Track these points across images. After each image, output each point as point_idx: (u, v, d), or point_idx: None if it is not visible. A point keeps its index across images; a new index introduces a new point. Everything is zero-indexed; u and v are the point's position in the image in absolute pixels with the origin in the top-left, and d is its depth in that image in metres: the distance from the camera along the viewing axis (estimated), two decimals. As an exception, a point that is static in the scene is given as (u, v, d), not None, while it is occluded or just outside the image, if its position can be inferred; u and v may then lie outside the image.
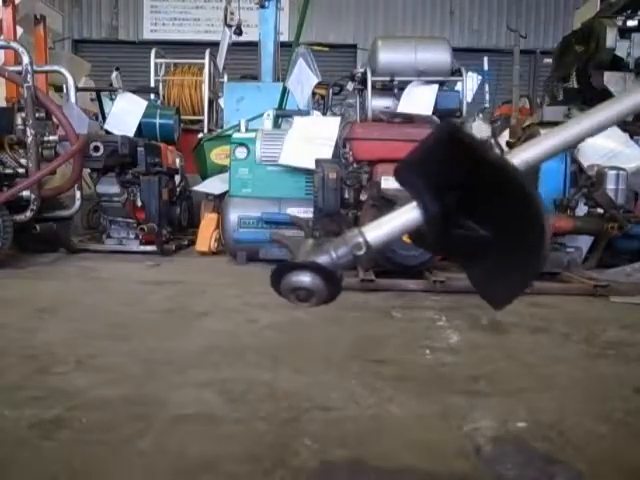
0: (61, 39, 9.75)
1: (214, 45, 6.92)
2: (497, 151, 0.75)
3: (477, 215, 0.77)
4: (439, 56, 4.46)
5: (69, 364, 1.71)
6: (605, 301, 2.80)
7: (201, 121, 6.67)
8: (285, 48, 5.93)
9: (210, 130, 6.36)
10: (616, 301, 2.80)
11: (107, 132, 4.63)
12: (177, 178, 4.88)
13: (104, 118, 5.13)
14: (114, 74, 7.11)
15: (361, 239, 0.78)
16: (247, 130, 4.08)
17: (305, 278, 0.77)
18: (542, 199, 0.71)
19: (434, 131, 0.77)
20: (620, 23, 4.85)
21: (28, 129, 3.61)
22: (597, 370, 1.80)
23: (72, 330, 2.10)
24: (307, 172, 3.76)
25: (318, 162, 3.48)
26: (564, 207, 3.59)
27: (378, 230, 0.79)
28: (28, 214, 3.64)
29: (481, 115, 6.98)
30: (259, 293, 2.82)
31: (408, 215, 0.78)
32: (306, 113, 4.35)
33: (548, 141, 0.78)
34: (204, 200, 4.67)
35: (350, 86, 4.94)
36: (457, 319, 2.39)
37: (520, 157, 0.76)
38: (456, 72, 4.56)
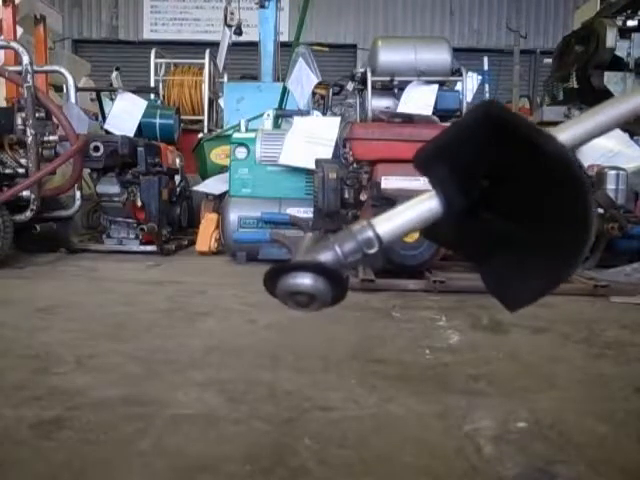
0: (61, 39, 9.76)
1: (214, 45, 6.92)
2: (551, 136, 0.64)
3: (505, 208, 0.68)
4: (439, 56, 4.46)
5: (69, 364, 1.71)
6: (605, 301, 2.80)
7: (201, 121, 6.67)
8: (285, 48, 5.93)
9: (210, 130, 6.36)
10: (616, 301, 2.80)
11: (107, 132, 4.63)
12: (177, 178, 4.87)
13: (104, 118, 5.13)
14: (114, 74, 7.12)
15: (372, 234, 0.67)
16: (247, 130, 4.08)
17: (306, 281, 0.66)
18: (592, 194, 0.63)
19: (471, 110, 0.67)
20: (620, 23, 4.86)
21: (28, 129, 3.61)
22: (597, 370, 1.80)
23: (72, 330, 2.10)
24: (307, 172, 3.76)
25: (318, 162, 3.48)
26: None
27: (390, 223, 0.68)
28: (28, 214, 3.64)
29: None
30: (259, 293, 2.81)
31: (425, 206, 0.68)
32: (306, 113, 4.35)
33: (599, 117, 0.67)
34: (204, 200, 4.67)
35: (350, 86, 4.95)
36: (457, 319, 2.38)
37: (568, 135, 0.65)
38: (456, 72, 4.57)
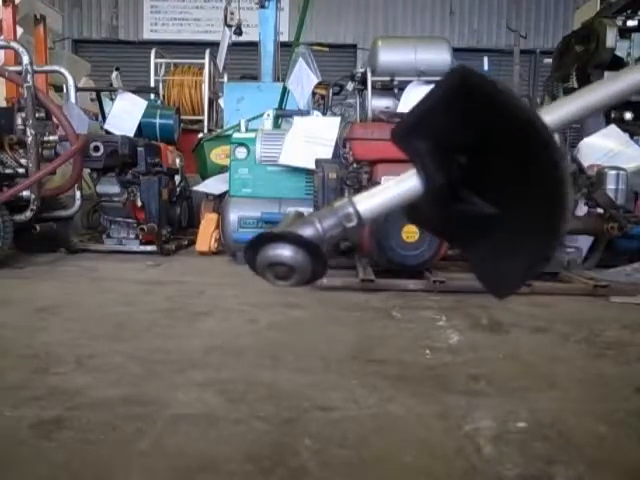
0: (61, 39, 9.76)
1: (214, 45, 6.92)
2: (525, 103, 0.61)
3: (483, 186, 0.67)
4: (439, 56, 4.46)
5: (69, 364, 1.71)
6: (605, 301, 2.80)
7: (201, 121, 6.67)
8: (285, 48, 5.93)
9: (210, 130, 6.36)
10: (616, 301, 2.80)
11: (107, 132, 4.63)
12: (177, 178, 4.88)
13: (104, 118, 5.13)
14: (114, 74, 7.11)
15: (352, 209, 0.68)
16: (247, 130, 4.07)
17: (285, 252, 0.66)
18: (566, 166, 0.61)
19: (443, 78, 0.66)
20: (620, 23, 4.86)
21: (28, 129, 3.61)
22: (597, 370, 1.80)
23: (72, 330, 2.10)
24: (307, 172, 3.76)
25: (318, 162, 3.48)
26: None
27: (371, 200, 0.69)
28: (28, 214, 3.65)
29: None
30: (259, 293, 2.82)
31: (406, 184, 0.69)
32: (306, 113, 4.35)
33: (581, 99, 0.66)
34: (204, 200, 4.67)
35: (350, 86, 4.94)
36: (457, 319, 2.39)
37: (551, 115, 0.64)
38: (456, 72, 4.56)
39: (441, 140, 0.66)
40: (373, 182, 3.24)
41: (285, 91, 4.84)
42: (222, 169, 4.58)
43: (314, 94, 5.33)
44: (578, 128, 4.91)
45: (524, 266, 0.66)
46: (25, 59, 3.64)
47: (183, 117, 6.19)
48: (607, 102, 0.67)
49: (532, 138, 0.60)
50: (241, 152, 3.92)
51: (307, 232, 0.67)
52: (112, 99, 5.38)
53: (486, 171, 0.66)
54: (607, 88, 0.66)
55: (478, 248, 0.72)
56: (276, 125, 4.44)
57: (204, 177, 5.01)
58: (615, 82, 0.67)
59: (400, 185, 0.69)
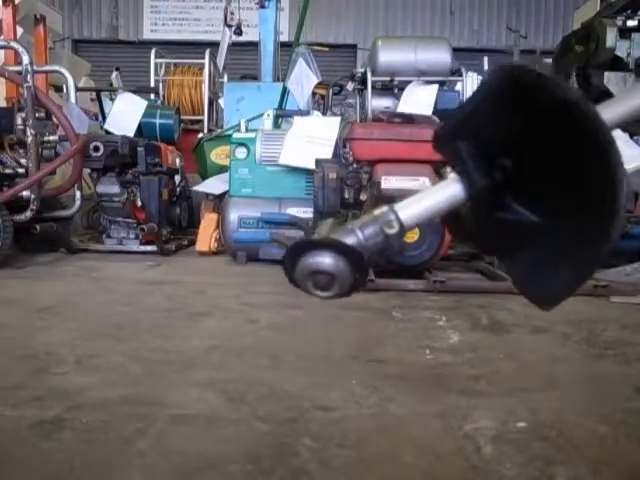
0: (61, 39, 9.75)
1: (214, 45, 6.92)
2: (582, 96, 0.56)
3: (528, 192, 0.63)
4: (439, 56, 4.46)
5: (69, 364, 1.71)
6: (605, 301, 2.80)
7: (201, 121, 6.67)
8: (285, 48, 5.93)
9: (210, 130, 6.36)
10: (616, 301, 2.80)
11: (107, 132, 4.63)
12: (177, 178, 4.87)
13: (104, 118, 5.13)
14: (114, 74, 7.12)
15: (393, 216, 0.66)
16: (247, 130, 4.08)
17: (327, 259, 0.64)
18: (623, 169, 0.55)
19: (489, 76, 0.62)
20: (620, 23, 4.86)
21: (28, 129, 3.61)
22: (597, 370, 1.80)
23: (72, 330, 2.10)
24: (307, 172, 3.76)
25: (318, 162, 3.48)
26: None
27: (412, 208, 0.67)
28: (28, 214, 3.64)
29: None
30: (259, 293, 2.82)
31: (448, 190, 0.66)
32: (306, 113, 4.35)
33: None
34: (204, 200, 4.67)
35: (350, 86, 4.95)
36: (457, 319, 2.38)
37: (610, 111, 0.59)
38: (456, 72, 4.57)
39: (484, 142, 0.63)
40: (373, 182, 3.24)
41: (285, 91, 4.84)
42: (222, 169, 4.58)
43: (314, 94, 5.34)
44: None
45: (572, 276, 0.62)
46: (25, 59, 3.63)
47: (183, 117, 6.19)
48: None
49: (589, 137, 0.56)
50: (241, 152, 3.92)
51: (349, 240, 0.66)
52: (112, 99, 5.38)
53: (531, 175, 0.63)
54: None
55: (520, 258, 0.68)
56: (276, 125, 4.44)
57: (204, 177, 5.00)
58: None
59: (442, 191, 0.67)
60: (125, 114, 4.70)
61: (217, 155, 5.06)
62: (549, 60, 6.56)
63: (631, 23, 4.85)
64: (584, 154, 0.57)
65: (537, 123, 0.59)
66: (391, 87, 4.46)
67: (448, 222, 0.72)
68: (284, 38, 7.41)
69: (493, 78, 0.62)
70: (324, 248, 0.64)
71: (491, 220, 0.66)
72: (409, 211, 0.67)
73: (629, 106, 0.61)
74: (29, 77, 3.62)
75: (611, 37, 4.76)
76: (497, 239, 0.71)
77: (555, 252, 0.64)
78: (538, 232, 0.64)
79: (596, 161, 0.56)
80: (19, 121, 3.70)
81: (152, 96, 6.14)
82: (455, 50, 4.64)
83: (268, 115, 4.31)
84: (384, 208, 0.67)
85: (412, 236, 3.01)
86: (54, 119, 3.82)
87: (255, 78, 6.50)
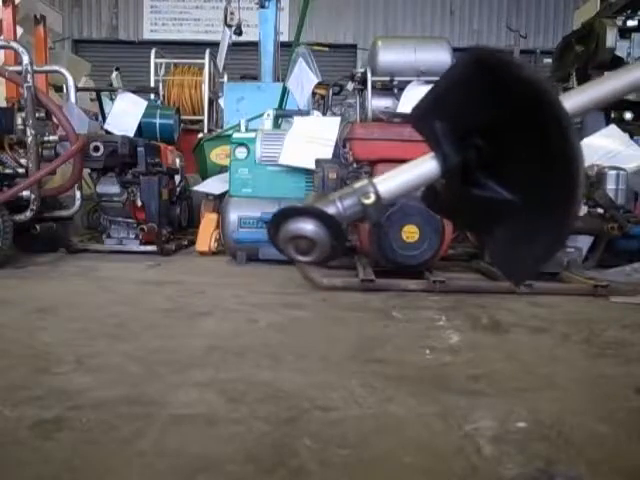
0: (61, 39, 9.75)
1: (214, 45, 6.93)
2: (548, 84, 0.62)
3: (500, 169, 0.67)
4: (439, 56, 4.46)
5: (69, 364, 1.71)
6: (605, 301, 2.80)
7: (201, 121, 6.68)
8: (285, 48, 5.93)
9: (210, 130, 6.36)
10: (616, 301, 2.80)
11: (107, 132, 4.63)
12: (177, 178, 4.88)
13: (104, 118, 5.13)
14: (114, 74, 7.12)
15: (371, 188, 0.71)
16: (247, 130, 4.08)
17: (307, 225, 0.69)
18: (579, 144, 0.59)
19: (460, 58, 0.67)
20: (620, 23, 4.86)
21: (28, 129, 3.61)
22: (597, 370, 1.80)
23: (72, 330, 2.10)
24: (307, 172, 3.76)
25: (318, 162, 3.48)
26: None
27: (390, 181, 0.72)
28: (28, 214, 3.64)
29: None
30: (259, 293, 2.82)
31: (424, 167, 0.70)
32: (306, 113, 4.35)
33: (600, 87, 0.66)
34: (204, 200, 4.67)
35: (350, 86, 4.94)
36: (457, 319, 2.39)
37: (571, 99, 0.64)
38: (456, 72, 4.55)
39: (457, 121, 0.67)
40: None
41: (285, 91, 4.84)
42: (222, 169, 4.58)
43: (314, 94, 5.33)
44: (578, 128, 4.91)
45: (540, 251, 0.66)
46: (25, 59, 3.63)
47: (183, 117, 6.19)
48: (629, 89, 0.66)
49: (545, 111, 0.60)
50: (241, 152, 3.92)
51: (329, 209, 0.70)
52: (112, 99, 5.38)
53: (502, 153, 0.67)
54: (631, 74, 0.66)
55: (494, 234, 0.72)
56: (276, 125, 4.44)
57: (204, 177, 5.01)
58: (638, 68, 0.66)
59: (418, 167, 0.71)
60: (125, 114, 4.70)
61: (217, 155, 5.06)
62: (549, 60, 6.57)
63: (631, 23, 4.85)
64: (546, 131, 0.61)
65: (504, 103, 0.63)
66: (391, 87, 4.45)
67: (426, 197, 0.76)
68: (284, 38, 7.40)
69: (462, 59, 0.66)
70: (306, 215, 0.69)
71: (466, 197, 0.70)
72: (386, 184, 0.72)
73: (589, 94, 0.66)
74: (29, 77, 3.62)
75: (611, 37, 4.76)
76: (472, 215, 0.74)
77: (526, 228, 0.67)
78: (511, 208, 0.68)
79: (556, 136, 0.60)
80: (19, 121, 3.70)
81: (152, 96, 6.14)
82: (455, 50, 4.63)
83: (268, 115, 4.31)
84: (364, 181, 0.72)
85: (412, 236, 3.01)
86: (54, 119, 3.82)
87: (255, 78, 6.50)
